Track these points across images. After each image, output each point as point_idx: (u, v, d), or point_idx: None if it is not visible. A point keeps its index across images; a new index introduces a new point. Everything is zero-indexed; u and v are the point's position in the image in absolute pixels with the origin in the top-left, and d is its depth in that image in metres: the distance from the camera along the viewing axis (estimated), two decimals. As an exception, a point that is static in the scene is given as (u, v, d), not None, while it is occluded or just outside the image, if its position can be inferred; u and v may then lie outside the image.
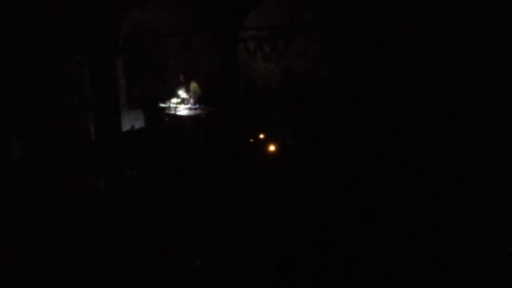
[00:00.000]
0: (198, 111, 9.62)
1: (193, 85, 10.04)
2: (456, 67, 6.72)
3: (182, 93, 9.99)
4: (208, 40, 9.45)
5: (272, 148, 7.83)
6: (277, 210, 5.60)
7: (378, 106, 8.22)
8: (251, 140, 8.38)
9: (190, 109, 9.70)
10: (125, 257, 4.64)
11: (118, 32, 8.04)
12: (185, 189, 6.44)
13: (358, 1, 8.63)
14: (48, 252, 4.70)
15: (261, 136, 8.42)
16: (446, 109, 6.94)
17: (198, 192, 6.32)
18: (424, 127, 7.26)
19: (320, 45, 9.53)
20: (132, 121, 9.68)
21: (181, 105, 9.81)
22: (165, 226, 5.36)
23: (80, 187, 6.49)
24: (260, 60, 10.82)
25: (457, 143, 6.43)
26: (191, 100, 9.87)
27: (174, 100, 9.87)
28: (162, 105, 9.92)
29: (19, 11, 7.07)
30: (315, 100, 9.34)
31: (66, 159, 7.06)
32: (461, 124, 6.72)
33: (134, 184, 6.87)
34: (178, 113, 9.57)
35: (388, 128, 7.72)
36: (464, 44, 6.37)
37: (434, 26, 7.11)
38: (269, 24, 10.13)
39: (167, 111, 9.72)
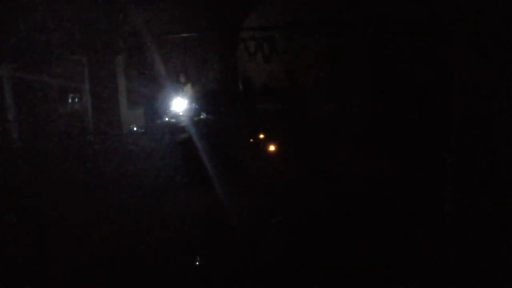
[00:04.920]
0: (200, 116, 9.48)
1: (188, 87, 10.00)
2: (459, 67, 6.69)
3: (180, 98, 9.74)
4: (209, 41, 9.43)
5: (272, 148, 7.81)
6: (278, 210, 5.60)
7: (379, 106, 8.20)
8: (251, 140, 8.36)
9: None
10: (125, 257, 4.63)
11: (118, 32, 8.04)
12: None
13: (359, 1, 8.62)
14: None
15: (261, 136, 8.41)
16: (448, 109, 6.91)
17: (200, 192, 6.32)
18: (426, 127, 7.24)
19: (320, 45, 9.51)
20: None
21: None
22: (166, 225, 5.35)
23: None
24: (260, 60, 10.80)
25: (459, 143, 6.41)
26: (193, 104, 9.77)
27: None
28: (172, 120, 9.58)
29: (20, 12, 7.06)
30: (315, 100, 9.33)
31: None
32: (462, 125, 6.68)
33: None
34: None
35: (388, 127, 7.70)
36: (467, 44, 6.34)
37: (435, 26, 7.10)
38: (269, 24, 10.12)
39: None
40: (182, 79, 10.07)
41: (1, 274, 4.32)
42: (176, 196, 6.28)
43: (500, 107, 6.04)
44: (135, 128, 9.32)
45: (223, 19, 8.97)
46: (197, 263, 4.71)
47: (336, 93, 9.03)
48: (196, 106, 9.72)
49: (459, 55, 6.44)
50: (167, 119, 9.65)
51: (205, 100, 9.98)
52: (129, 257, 4.62)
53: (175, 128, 9.28)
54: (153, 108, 9.91)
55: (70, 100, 9.68)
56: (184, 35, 10.94)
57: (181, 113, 9.50)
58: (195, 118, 9.43)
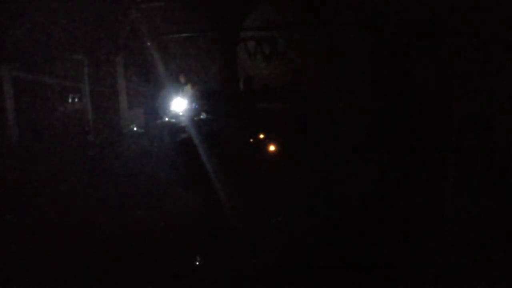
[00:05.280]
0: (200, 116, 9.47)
1: (188, 87, 9.98)
2: (459, 67, 6.70)
3: (180, 99, 9.68)
4: (208, 41, 9.44)
5: (272, 148, 7.81)
6: (278, 210, 5.59)
7: (379, 106, 8.20)
8: (251, 140, 8.35)
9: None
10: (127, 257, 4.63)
11: (118, 32, 8.04)
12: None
13: (359, 1, 8.61)
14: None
15: (261, 136, 8.40)
16: (448, 110, 6.92)
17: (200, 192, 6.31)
18: (425, 128, 7.24)
19: (320, 45, 9.52)
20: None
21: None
22: (166, 225, 5.34)
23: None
24: (260, 60, 10.81)
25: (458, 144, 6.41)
26: (193, 104, 9.74)
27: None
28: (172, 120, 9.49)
29: (20, 12, 7.06)
30: (315, 100, 9.33)
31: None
32: (462, 125, 6.69)
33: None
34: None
35: (387, 128, 7.70)
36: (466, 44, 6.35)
37: (435, 26, 7.09)
38: (269, 24, 10.12)
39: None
40: (182, 79, 10.06)
41: (1, 274, 4.32)
42: (176, 196, 6.27)
43: (500, 107, 6.05)
44: (135, 128, 9.32)
45: (223, 19, 8.97)
46: (197, 263, 4.71)
47: (336, 93, 9.04)
48: (196, 106, 9.71)
49: (459, 55, 6.45)
50: (167, 119, 9.64)
51: (205, 100, 9.98)
52: (129, 257, 4.62)
53: (175, 128, 9.28)
54: (153, 108, 9.91)
55: (70, 100, 9.69)
56: (184, 35, 10.96)
57: (181, 113, 9.49)
58: (195, 118, 9.43)
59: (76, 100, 9.40)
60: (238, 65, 9.67)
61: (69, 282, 4.20)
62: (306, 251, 4.66)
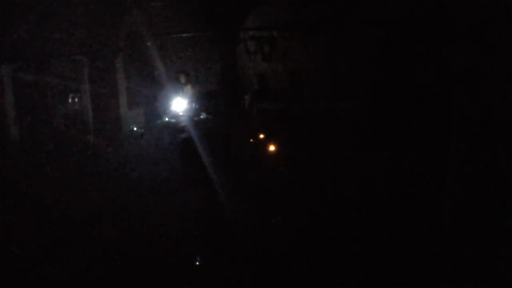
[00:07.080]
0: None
1: (188, 87, 9.98)
2: (459, 67, 6.69)
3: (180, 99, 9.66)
4: (208, 41, 9.44)
5: (272, 148, 7.81)
6: (278, 210, 5.60)
7: (378, 105, 8.20)
8: (251, 140, 8.36)
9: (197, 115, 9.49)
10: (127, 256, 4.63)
11: (118, 32, 8.04)
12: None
13: (359, 1, 8.62)
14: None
15: (261, 136, 8.40)
16: (448, 109, 6.90)
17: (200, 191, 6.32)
18: (425, 128, 7.24)
19: (320, 45, 9.52)
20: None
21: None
22: (166, 225, 5.35)
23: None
24: (260, 60, 10.81)
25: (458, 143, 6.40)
26: (193, 104, 9.74)
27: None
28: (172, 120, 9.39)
29: (20, 12, 7.07)
30: (315, 100, 9.32)
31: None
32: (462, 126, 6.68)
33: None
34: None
35: (387, 128, 7.70)
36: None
37: (435, 26, 7.09)
38: (269, 24, 10.12)
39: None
40: (182, 79, 10.06)
41: (1, 274, 4.32)
42: (176, 196, 6.28)
43: (501, 107, 6.02)
44: (135, 128, 9.33)
45: (223, 19, 8.97)
46: (197, 263, 4.71)
47: (336, 93, 9.04)
48: (196, 106, 9.71)
49: (459, 54, 6.43)
50: (167, 119, 9.64)
51: (205, 100, 9.98)
52: (128, 257, 4.63)
53: (175, 128, 9.28)
54: (153, 108, 9.92)
55: (70, 100, 9.69)
56: (184, 35, 10.95)
57: (181, 113, 9.49)
58: (195, 118, 9.43)
59: (76, 100, 9.40)
60: (238, 65, 9.68)
61: (69, 281, 4.21)
62: (305, 251, 4.67)
